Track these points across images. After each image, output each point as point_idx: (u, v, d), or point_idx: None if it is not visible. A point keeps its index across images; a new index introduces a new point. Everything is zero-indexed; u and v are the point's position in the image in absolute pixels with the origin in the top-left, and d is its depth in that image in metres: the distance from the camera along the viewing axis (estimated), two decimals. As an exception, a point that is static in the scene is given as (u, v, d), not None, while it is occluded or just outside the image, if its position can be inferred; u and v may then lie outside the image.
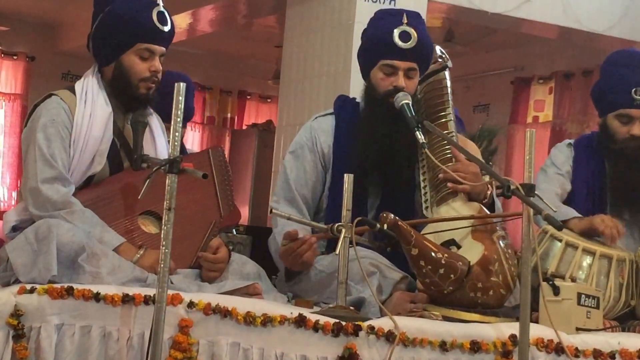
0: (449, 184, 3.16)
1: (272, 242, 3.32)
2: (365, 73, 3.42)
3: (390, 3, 6.08)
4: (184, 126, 4.78)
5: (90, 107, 3.09)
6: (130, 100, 3.15)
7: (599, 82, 3.78)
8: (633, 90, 3.58)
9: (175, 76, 4.17)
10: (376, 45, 3.34)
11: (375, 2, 6.06)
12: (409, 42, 3.29)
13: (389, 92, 3.30)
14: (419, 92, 3.40)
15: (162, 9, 3.16)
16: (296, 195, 3.34)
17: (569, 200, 3.64)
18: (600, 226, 3.37)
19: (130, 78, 3.11)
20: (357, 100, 3.52)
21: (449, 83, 3.39)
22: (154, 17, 3.12)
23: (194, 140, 11.06)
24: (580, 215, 3.48)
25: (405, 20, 3.32)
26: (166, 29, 3.16)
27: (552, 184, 3.63)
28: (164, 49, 3.17)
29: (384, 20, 3.38)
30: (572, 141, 3.80)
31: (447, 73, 3.40)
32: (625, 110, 3.60)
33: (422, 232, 3.09)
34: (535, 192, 2.71)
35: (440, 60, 3.41)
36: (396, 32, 3.29)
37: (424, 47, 3.34)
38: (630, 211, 3.61)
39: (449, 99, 3.37)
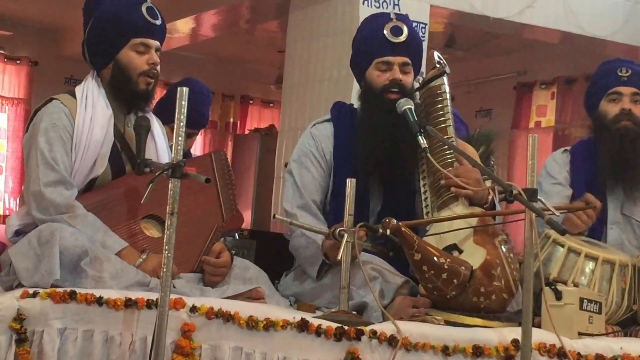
0: (452, 189, 3.16)
1: (299, 239, 3.27)
2: (361, 76, 3.42)
3: (393, 8, 6.09)
4: (197, 132, 4.82)
5: (91, 111, 3.10)
6: (131, 98, 3.15)
7: (590, 83, 3.89)
8: (618, 69, 3.71)
9: (197, 84, 4.28)
10: (369, 44, 3.37)
11: (378, 7, 6.07)
12: (401, 36, 3.32)
13: (386, 86, 3.31)
14: (418, 98, 3.40)
15: (150, 4, 3.18)
16: (308, 201, 3.33)
17: (571, 202, 3.66)
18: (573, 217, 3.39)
19: (130, 73, 3.12)
20: (354, 106, 3.53)
21: (447, 89, 3.39)
22: (144, 12, 3.15)
23: (196, 144, 11.06)
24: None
25: (393, 17, 3.38)
26: (157, 22, 3.18)
27: (548, 198, 3.61)
28: (158, 43, 3.18)
29: (373, 22, 3.43)
30: (567, 148, 3.84)
31: (445, 79, 3.40)
32: (614, 88, 3.70)
33: (425, 235, 3.09)
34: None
35: (438, 66, 3.42)
36: (387, 28, 3.33)
37: (415, 41, 3.38)
38: (624, 188, 3.65)
39: (448, 104, 3.37)
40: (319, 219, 3.31)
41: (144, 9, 3.15)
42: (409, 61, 3.35)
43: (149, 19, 3.15)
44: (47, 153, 3.01)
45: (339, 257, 2.86)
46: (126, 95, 3.16)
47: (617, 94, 3.69)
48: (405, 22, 3.38)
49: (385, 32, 3.32)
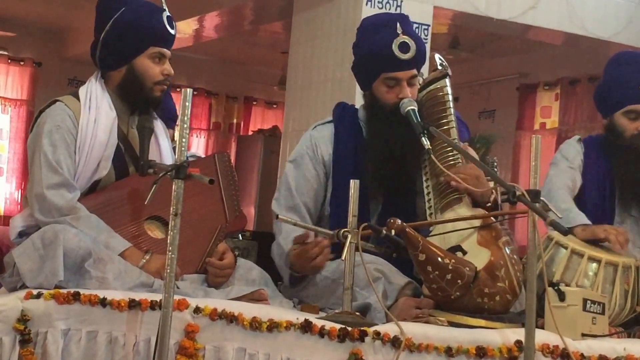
0: (452, 183, 3.16)
1: (277, 248, 3.30)
2: (366, 86, 3.39)
3: (396, 9, 6.10)
4: (172, 127, 4.76)
5: (95, 113, 3.10)
6: (142, 102, 3.16)
7: (603, 82, 3.80)
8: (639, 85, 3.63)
9: None
10: (376, 59, 3.31)
11: (382, 8, 6.08)
12: (409, 53, 3.27)
13: (396, 103, 3.27)
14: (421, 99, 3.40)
15: (169, 13, 3.19)
16: (299, 203, 3.33)
17: (579, 195, 3.65)
18: (603, 234, 3.36)
19: (145, 81, 3.13)
20: (355, 106, 3.52)
21: (449, 90, 3.39)
22: (165, 21, 3.16)
23: (199, 146, 11.08)
24: (587, 223, 3.48)
25: (399, 30, 3.29)
26: (173, 32, 3.20)
27: (563, 178, 3.64)
28: (170, 52, 3.20)
29: (379, 34, 3.32)
30: (581, 137, 3.81)
31: (447, 81, 3.39)
32: (633, 106, 3.63)
33: (429, 235, 3.09)
34: (546, 188, 2.70)
35: (440, 68, 3.41)
36: (395, 44, 3.27)
37: (421, 52, 3.33)
38: (637, 207, 3.63)
39: (450, 106, 3.37)
40: (305, 221, 3.30)
41: (164, 17, 3.16)
42: (416, 73, 3.33)
43: (168, 28, 3.16)
44: (51, 155, 3.01)
45: (342, 258, 2.86)
46: (136, 99, 3.16)
47: (636, 112, 3.62)
48: (410, 32, 3.32)
49: (394, 49, 3.25)
